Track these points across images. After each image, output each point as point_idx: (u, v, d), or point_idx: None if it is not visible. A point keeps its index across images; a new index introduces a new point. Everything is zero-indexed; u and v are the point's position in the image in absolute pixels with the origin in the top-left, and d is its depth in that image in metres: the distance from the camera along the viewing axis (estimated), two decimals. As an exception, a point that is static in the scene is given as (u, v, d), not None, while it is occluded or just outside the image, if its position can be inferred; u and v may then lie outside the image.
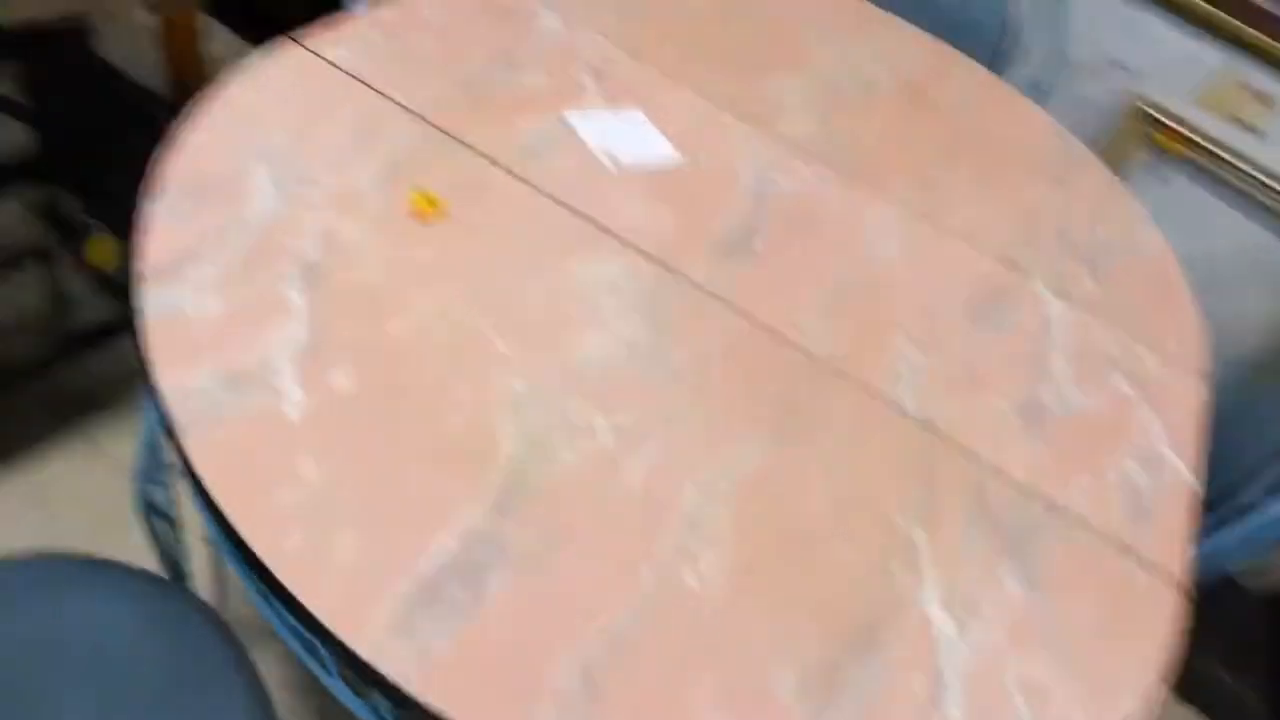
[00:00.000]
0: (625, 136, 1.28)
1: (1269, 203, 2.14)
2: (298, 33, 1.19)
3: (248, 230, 0.94)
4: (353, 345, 0.88)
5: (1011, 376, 1.19)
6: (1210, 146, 2.13)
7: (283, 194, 0.99)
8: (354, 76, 1.17)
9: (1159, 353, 1.32)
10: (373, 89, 1.17)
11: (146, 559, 1.06)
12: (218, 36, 2.48)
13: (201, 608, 0.87)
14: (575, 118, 1.27)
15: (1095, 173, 1.63)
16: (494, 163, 1.15)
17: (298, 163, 1.03)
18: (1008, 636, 0.90)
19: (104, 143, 1.65)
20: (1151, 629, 0.96)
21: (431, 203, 1.05)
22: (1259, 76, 2.06)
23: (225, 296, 0.87)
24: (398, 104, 1.16)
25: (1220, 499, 1.24)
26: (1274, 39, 1.99)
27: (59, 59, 1.66)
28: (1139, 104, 2.17)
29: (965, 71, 1.76)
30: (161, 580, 0.89)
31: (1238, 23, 2.00)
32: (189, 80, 1.66)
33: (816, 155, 1.40)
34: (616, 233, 1.13)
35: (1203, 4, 2.02)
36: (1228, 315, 2.37)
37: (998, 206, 1.46)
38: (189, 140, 1.00)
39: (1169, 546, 1.05)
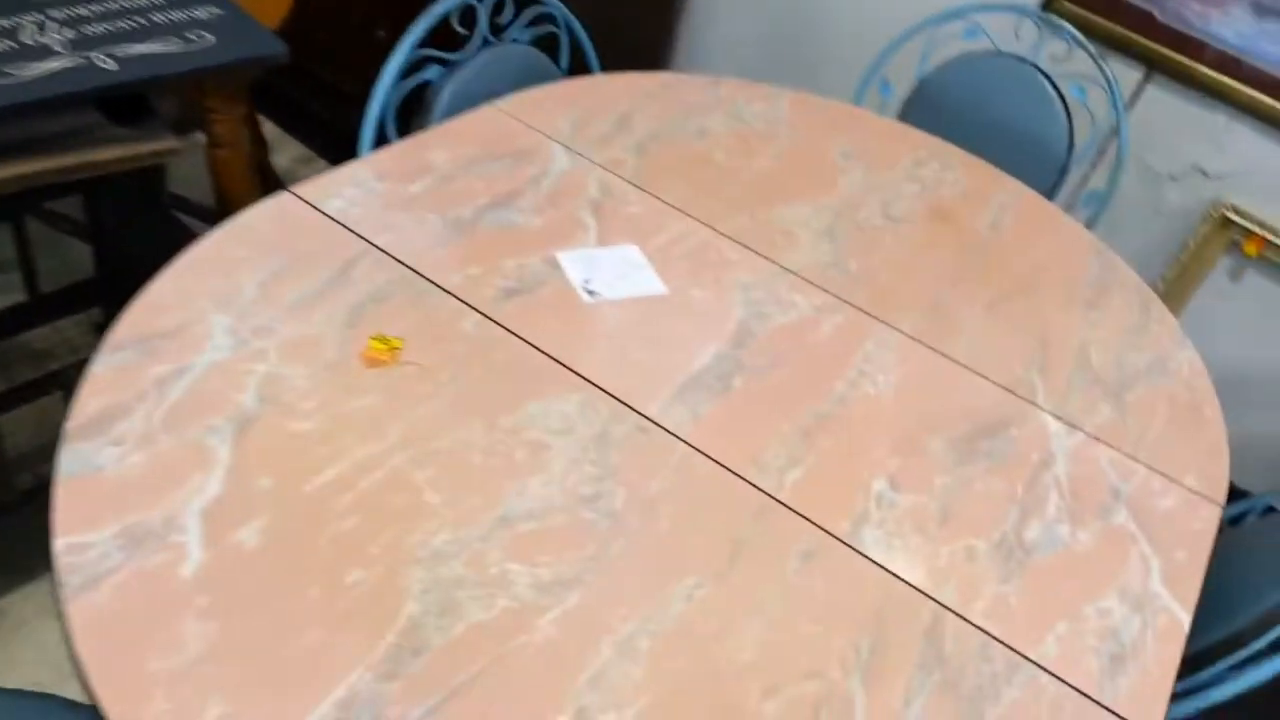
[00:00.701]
0: (613, 273, 1.29)
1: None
2: (299, 183, 1.27)
3: (189, 382, 0.98)
4: (270, 500, 0.90)
5: (994, 515, 1.11)
6: (1299, 251, 2.01)
7: (235, 344, 1.03)
8: (340, 223, 1.23)
9: (1175, 485, 1.22)
10: (357, 235, 1.22)
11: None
12: (286, 150, 2.67)
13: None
14: (565, 256, 1.30)
15: (1132, 294, 1.54)
16: (467, 305, 1.17)
17: (259, 312, 1.08)
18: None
19: (161, 264, 1.78)
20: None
21: (389, 348, 1.08)
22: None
23: (148, 452, 0.91)
24: (380, 249, 1.21)
25: (1222, 646, 1.12)
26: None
27: (120, 183, 1.81)
28: (1223, 210, 2.07)
29: (1006, 193, 1.71)
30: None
31: None
32: (240, 201, 1.77)
33: (820, 285, 1.37)
34: (580, 371, 1.13)
35: None
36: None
37: (1014, 333, 1.40)
38: (152, 292, 1.07)
39: (1145, 697, 0.95)
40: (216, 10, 1.43)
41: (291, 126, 2.74)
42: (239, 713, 0.75)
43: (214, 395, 0.98)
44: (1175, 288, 2.24)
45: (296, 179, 2.56)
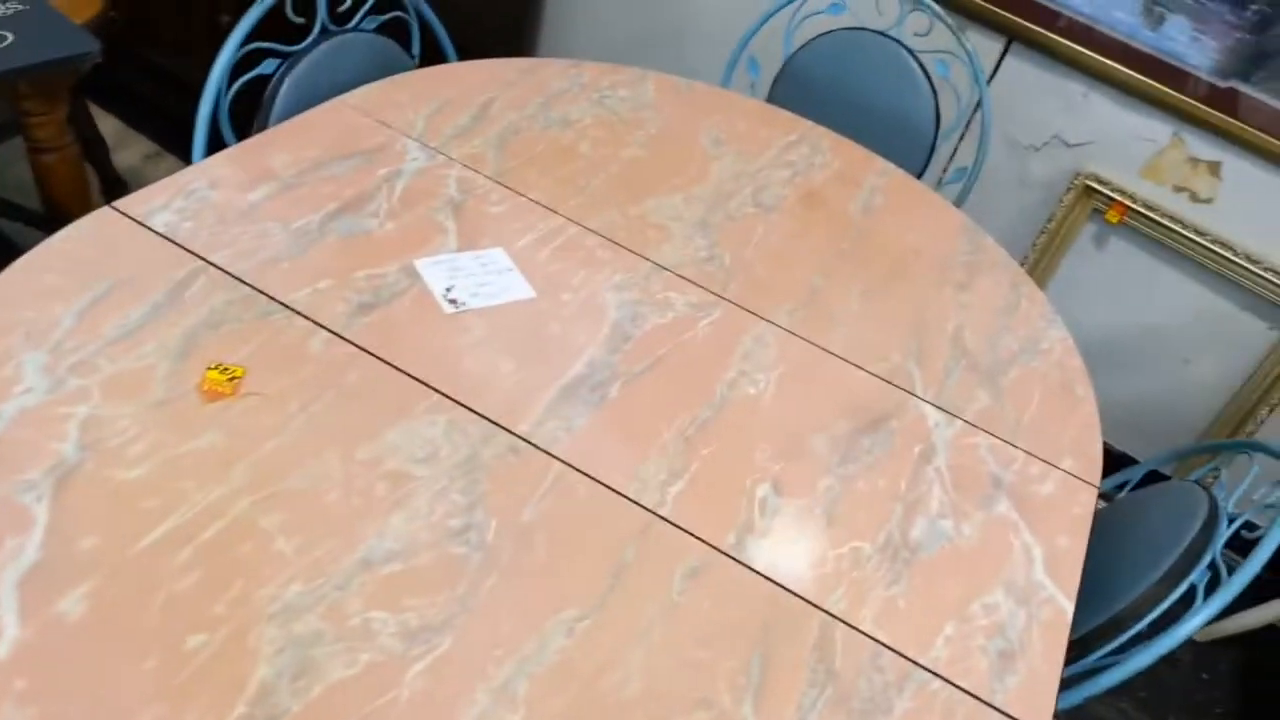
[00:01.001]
0: (478, 279, 1.22)
1: (1221, 270, 2.07)
2: (123, 196, 1.15)
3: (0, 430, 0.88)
4: (95, 562, 0.80)
5: (879, 514, 1.10)
6: (1159, 217, 2.08)
7: (51, 384, 0.92)
8: (169, 239, 1.12)
9: (1053, 469, 1.23)
10: (189, 251, 1.11)
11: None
12: (133, 146, 2.48)
13: None
14: (424, 264, 1.21)
15: (1001, 273, 1.56)
16: (315, 323, 1.09)
17: (78, 346, 0.97)
18: None
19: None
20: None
21: (230, 378, 0.99)
22: (1205, 148, 2.01)
23: (-48, 516, 0.81)
24: (216, 267, 1.11)
25: (1105, 630, 1.15)
26: (1222, 113, 1.95)
27: None
28: (1085, 179, 2.12)
29: (876, 174, 1.70)
30: None
31: (1184, 98, 1.97)
32: (70, 207, 1.62)
33: (695, 282, 1.33)
34: (443, 390, 1.06)
35: (1148, 81, 1.98)
36: (1176, 387, 2.30)
37: (890, 320, 1.39)
38: (-47, 333, 0.95)
39: (1033, 689, 0.96)
40: (18, 5, 1.28)
41: (136, 121, 2.54)
42: (60, 820, 0.66)
43: (27, 445, 0.87)
44: (1044, 257, 2.30)
45: (144, 177, 2.39)
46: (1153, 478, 1.48)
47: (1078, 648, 1.18)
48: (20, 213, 2.04)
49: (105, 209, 1.12)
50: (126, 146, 2.47)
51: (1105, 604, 1.20)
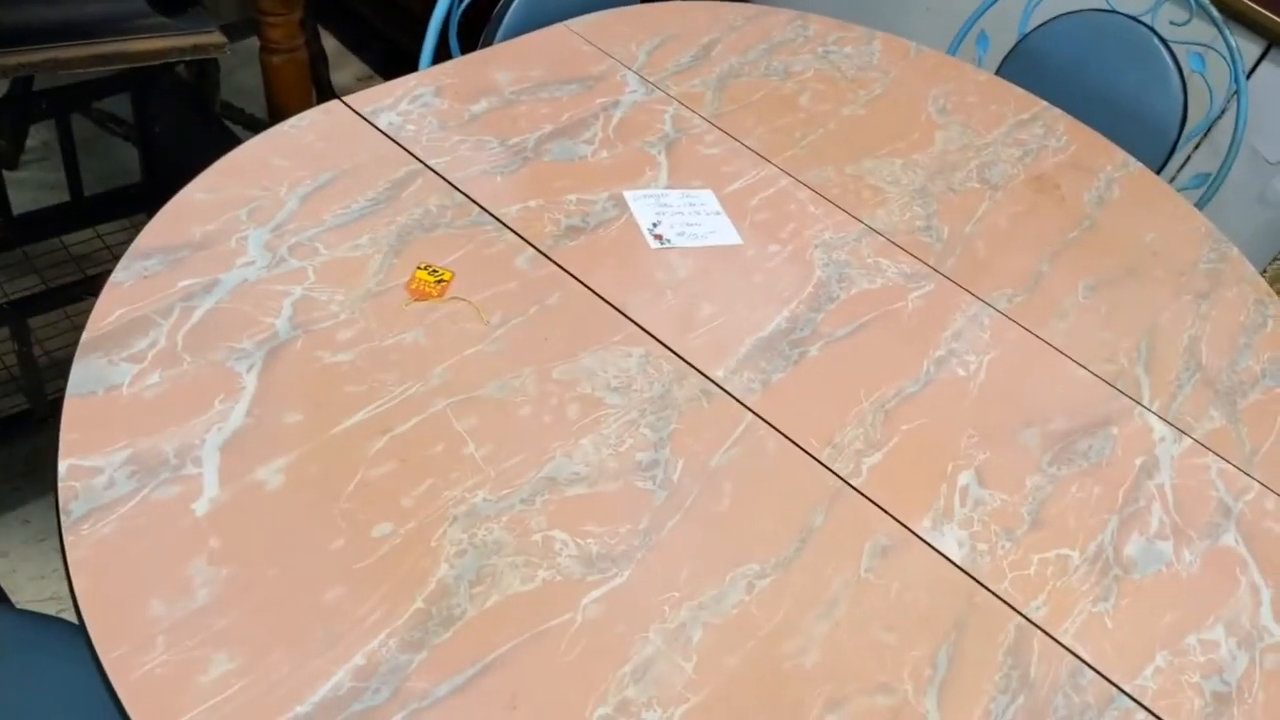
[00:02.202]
0: (685, 218, 1.18)
1: None
2: (353, 95, 1.17)
3: (218, 299, 0.89)
4: (297, 438, 0.81)
5: (1090, 523, 1.00)
6: None
7: (271, 261, 0.94)
8: (393, 139, 1.12)
9: (1299, 512, 1.09)
10: (410, 153, 1.12)
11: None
12: (348, 67, 2.56)
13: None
14: (633, 196, 1.18)
15: (1247, 288, 1.40)
16: (524, 239, 1.07)
17: (299, 228, 0.98)
18: None
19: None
20: None
21: (438, 280, 0.98)
22: None
23: (167, 372, 0.82)
24: (434, 171, 1.10)
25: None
26: None
27: (170, 84, 1.72)
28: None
29: (1115, 165, 1.56)
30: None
31: None
32: (294, 112, 1.68)
33: (909, 249, 1.25)
34: (642, 324, 1.02)
35: None
36: None
37: (1119, 320, 1.27)
38: (184, 198, 0.97)
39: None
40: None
41: (354, 43, 2.63)
42: (245, 670, 0.66)
43: (244, 316, 0.89)
44: (1276, 283, 2.08)
45: (354, 95, 2.46)
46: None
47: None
48: (242, 116, 2.13)
49: (334, 102, 1.14)
50: (343, 67, 2.56)
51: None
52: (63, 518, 0.70)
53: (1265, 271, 2.08)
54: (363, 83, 2.54)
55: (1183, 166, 2.08)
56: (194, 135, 1.74)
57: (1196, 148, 2.06)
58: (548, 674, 0.73)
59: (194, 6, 1.25)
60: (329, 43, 2.56)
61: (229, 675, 0.66)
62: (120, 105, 2.07)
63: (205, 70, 1.94)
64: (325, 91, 2.26)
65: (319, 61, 2.19)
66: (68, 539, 0.69)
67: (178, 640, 0.67)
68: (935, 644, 0.84)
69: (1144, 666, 0.89)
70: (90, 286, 1.61)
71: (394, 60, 2.57)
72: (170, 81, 1.77)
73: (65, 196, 1.67)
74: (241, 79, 2.22)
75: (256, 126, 2.14)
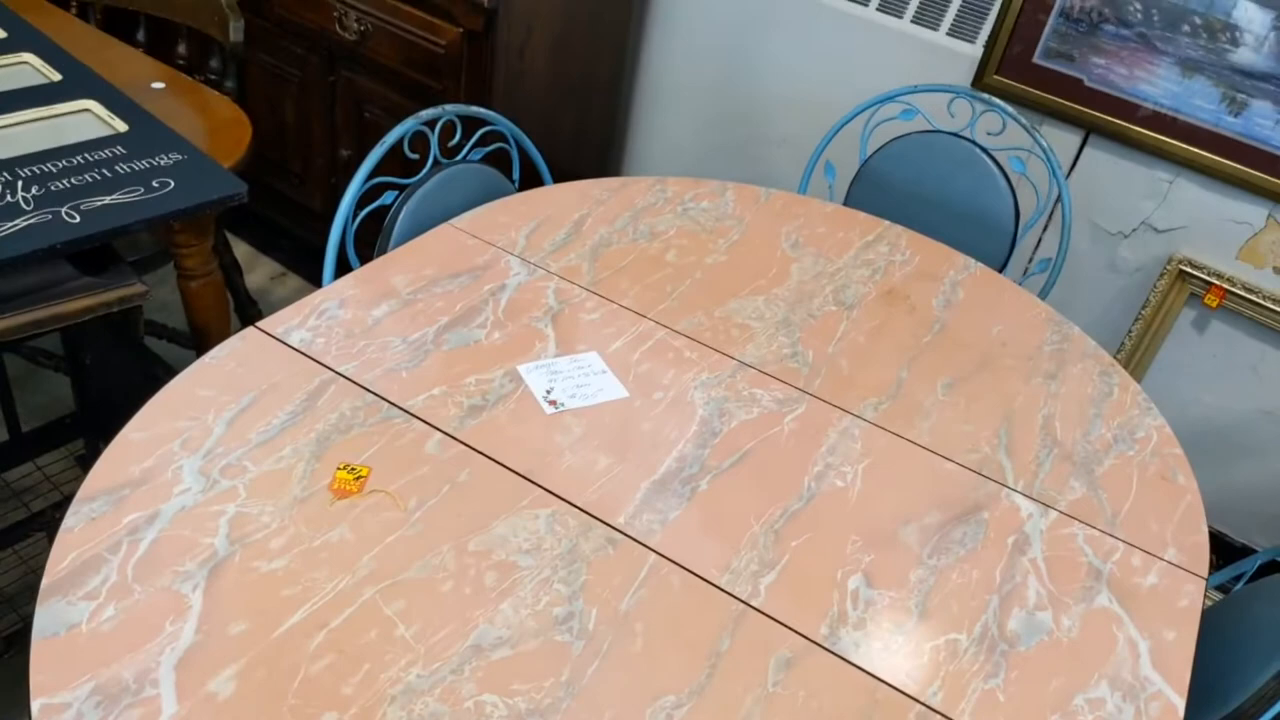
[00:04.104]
0: (575, 381, 1.31)
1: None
2: (254, 312, 1.29)
3: (160, 528, 0.99)
4: (242, 646, 0.90)
5: (973, 606, 1.12)
6: (1261, 300, 2.05)
7: (205, 485, 1.04)
8: (304, 353, 1.25)
9: (1156, 560, 1.23)
10: (321, 364, 1.24)
11: None
12: (260, 268, 2.70)
13: None
14: (526, 369, 1.32)
15: (1091, 362, 1.58)
16: (432, 426, 1.19)
17: (228, 450, 1.09)
18: None
19: (137, 395, 1.80)
20: None
21: (356, 477, 1.09)
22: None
23: (121, 604, 0.91)
24: (344, 377, 1.23)
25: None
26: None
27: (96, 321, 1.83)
28: (1179, 264, 2.12)
29: (957, 269, 1.76)
30: None
31: (1277, 180, 1.97)
32: (213, 326, 1.79)
33: (780, 378, 1.39)
34: (545, 485, 1.14)
35: (1238, 166, 1.99)
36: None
37: (978, 411, 1.42)
38: (122, 439, 1.08)
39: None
40: (178, 156, 1.47)
41: (264, 245, 2.78)
42: None
43: (185, 540, 0.98)
44: (1142, 343, 2.28)
45: (270, 295, 2.59)
46: (1272, 568, 1.45)
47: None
48: (165, 330, 2.24)
49: (249, 329, 1.26)
50: (255, 269, 2.70)
51: (1219, 704, 1.17)
52: (34, 758, 0.78)
53: (1129, 334, 2.28)
54: (276, 281, 2.68)
55: (1034, 253, 2.30)
56: (122, 361, 1.84)
57: (1043, 235, 2.29)
58: (492, 827, 0.81)
59: (115, 264, 1.38)
60: (240, 248, 2.71)
61: None
62: (50, 339, 2.17)
63: (127, 307, 2.05)
64: (240, 296, 2.39)
65: (232, 271, 2.33)
66: (41, 776, 0.77)
67: None
68: (840, 739, 0.94)
69: (1032, 725, 0.99)
70: (37, 522, 1.68)
71: (302, 255, 2.73)
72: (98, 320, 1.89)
73: (2, 435, 1.75)
74: (162, 294, 2.33)
75: (181, 340, 2.25)
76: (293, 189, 2.61)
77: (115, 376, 1.76)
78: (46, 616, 0.88)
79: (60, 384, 2.06)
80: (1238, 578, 1.49)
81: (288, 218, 2.68)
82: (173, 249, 1.66)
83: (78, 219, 1.26)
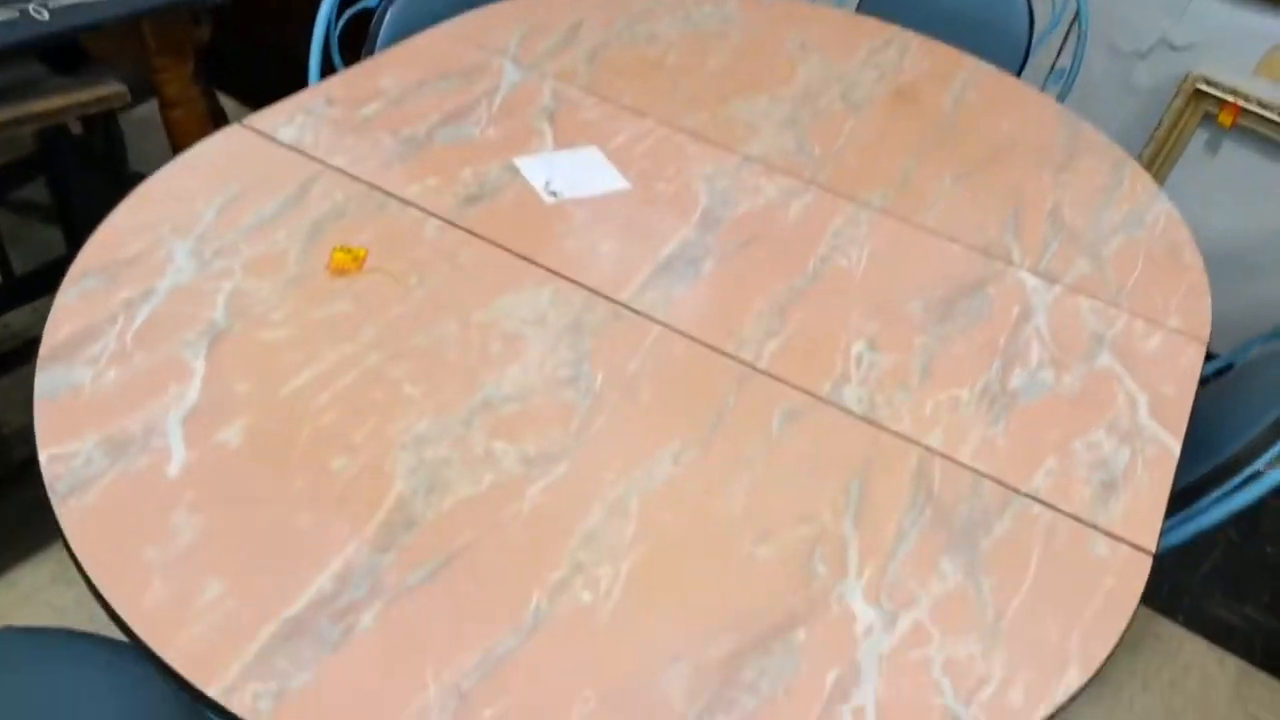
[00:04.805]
0: (574, 172, 1.28)
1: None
2: (250, 116, 1.26)
3: (157, 303, 0.98)
4: (249, 403, 0.90)
5: (976, 366, 1.11)
6: (1276, 116, 2.00)
7: (199, 265, 1.03)
8: (294, 148, 1.22)
9: (1158, 327, 1.22)
10: (311, 158, 1.21)
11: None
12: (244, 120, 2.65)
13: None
14: (524, 161, 1.29)
15: (1103, 155, 1.54)
16: (428, 213, 1.17)
17: (219, 234, 1.07)
18: (941, 624, 0.83)
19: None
20: (1109, 600, 0.87)
21: (354, 257, 1.08)
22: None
23: (123, 368, 0.91)
24: (335, 169, 1.20)
25: (1214, 477, 1.13)
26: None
27: (82, 161, 1.80)
28: (1195, 82, 2.06)
29: (969, 70, 1.70)
30: (126, 648, 0.91)
31: None
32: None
33: (785, 170, 1.37)
34: (548, 266, 1.13)
35: None
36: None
37: (985, 200, 1.40)
38: (110, 224, 1.06)
39: (1139, 518, 0.96)
40: (148, -44, 1.41)
41: (247, 98, 2.73)
42: (236, 591, 0.75)
43: (183, 314, 0.98)
44: (1153, 165, 2.24)
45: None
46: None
47: (1183, 498, 1.17)
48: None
49: (234, 126, 1.23)
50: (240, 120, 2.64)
51: (1213, 457, 1.19)
52: (51, 496, 0.79)
53: (1141, 156, 2.23)
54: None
55: (1049, 72, 2.23)
56: (109, 199, 1.82)
57: (1060, 50, 2.22)
58: (506, 554, 0.82)
59: (86, 64, 1.34)
60: (228, 104, 2.65)
61: (222, 596, 0.75)
62: (39, 191, 2.14)
63: (112, 144, 2.01)
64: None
65: (218, 119, 2.28)
66: (59, 512, 0.78)
67: (172, 576, 0.75)
68: (846, 481, 0.95)
69: (1035, 472, 1.00)
70: (37, 350, 1.68)
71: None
72: (82, 159, 1.86)
73: (-2, 281, 1.75)
74: (148, 150, 2.29)
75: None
76: (276, 35, 2.54)
77: (104, 214, 1.74)
78: (47, 379, 0.88)
79: (51, 234, 2.04)
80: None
81: (271, 67, 2.61)
82: (152, 77, 1.62)
83: (46, 15, 1.22)
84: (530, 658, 0.75)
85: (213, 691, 0.69)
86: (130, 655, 0.92)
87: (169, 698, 0.89)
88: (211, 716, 0.88)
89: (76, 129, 1.92)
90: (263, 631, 0.73)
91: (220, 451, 0.85)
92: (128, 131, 2.12)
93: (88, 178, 1.89)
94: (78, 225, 1.82)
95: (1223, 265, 2.25)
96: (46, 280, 1.81)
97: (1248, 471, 1.12)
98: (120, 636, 0.75)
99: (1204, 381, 1.21)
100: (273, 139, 1.22)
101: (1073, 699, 0.80)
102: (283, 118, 1.26)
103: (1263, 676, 1.78)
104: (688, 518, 0.88)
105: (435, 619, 0.76)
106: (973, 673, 0.80)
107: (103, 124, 1.91)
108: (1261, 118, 2.04)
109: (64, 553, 1.59)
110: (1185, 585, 1.92)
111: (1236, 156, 2.16)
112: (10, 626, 0.92)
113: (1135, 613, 0.88)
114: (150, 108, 1.84)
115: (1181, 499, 1.16)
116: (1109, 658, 0.83)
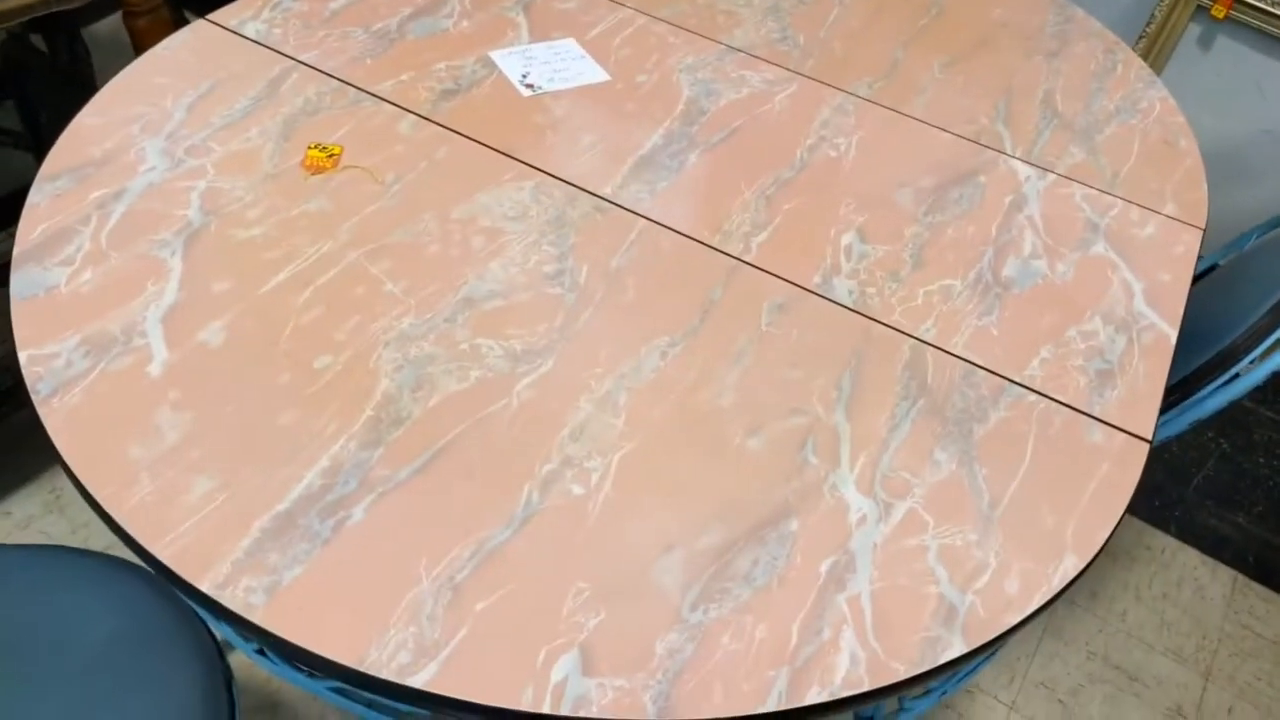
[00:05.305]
0: (552, 66, 1.24)
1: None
2: (215, 12, 1.21)
3: (130, 203, 0.95)
4: (229, 301, 0.88)
5: (969, 256, 1.10)
6: (1270, 6, 1.95)
7: (170, 164, 1.00)
8: (261, 44, 1.17)
9: (1154, 214, 1.20)
10: (280, 53, 1.17)
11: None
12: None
13: (163, 589, 0.90)
14: (500, 55, 1.25)
15: (1095, 41, 1.50)
16: (403, 109, 1.13)
17: (190, 133, 1.04)
18: (935, 513, 0.83)
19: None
20: (1105, 487, 0.87)
21: (329, 154, 1.05)
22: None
23: (99, 268, 0.88)
24: (306, 65, 1.16)
25: (1211, 366, 1.13)
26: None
27: (49, 83, 1.74)
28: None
29: (949, -46, 1.64)
30: (131, 565, 0.92)
31: None
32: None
33: (769, 60, 1.33)
34: (528, 161, 1.10)
35: None
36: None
37: (976, 87, 1.36)
38: (78, 125, 1.03)
39: (1135, 405, 0.96)
40: None
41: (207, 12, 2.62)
42: (224, 487, 0.75)
43: (156, 213, 0.95)
44: (1145, 63, 2.18)
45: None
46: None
47: (1180, 390, 1.17)
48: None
49: (200, 22, 1.18)
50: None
51: (1211, 347, 1.18)
52: (33, 397, 0.77)
53: (1133, 50, 2.18)
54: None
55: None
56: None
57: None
58: (495, 447, 0.82)
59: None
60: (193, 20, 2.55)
61: (210, 492, 0.74)
62: (7, 116, 2.07)
63: (77, 61, 1.94)
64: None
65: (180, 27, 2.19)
66: (42, 412, 0.76)
67: (159, 473, 0.75)
68: (838, 372, 0.94)
69: (1030, 360, 1.00)
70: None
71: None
72: (50, 81, 1.79)
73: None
74: (117, 67, 2.22)
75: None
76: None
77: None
78: (22, 281, 0.86)
79: (23, 160, 1.98)
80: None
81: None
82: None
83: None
84: (522, 550, 0.75)
85: (205, 586, 0.69)
86: (124, 569, 0.92)
87: (164, 610, 0.89)
88: (205, 620, 0.88)
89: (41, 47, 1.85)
90: (253, 527, 0.73)
91: (202, 350, 0.84)
92: (95, 51, 2.04)
93: (56, 98, 1.82)
94: (48, 147, 1.76)
95: (1218, 169, 2.23)
96: (20, 203, 1.76)
97: (1245, 360, 1.12)
98: (112, 553, 0.75)
99: (1195, 280, 1.20)
100: (239, 34, 1.18)
101: (1069, 585, 0.81)
102: (249, 12, 1.21)
103: (1256, 587, 1.81)
104: (677, 411, 0.88)
105: (426, 513, 0.76)
106: (969, 560, 0.80)
107: (67, 41, 1.84)
108: (1256, 8, 1.99)
109: (55, 482, 1.59)
110: (1178, 497, 1.94)
111: (1229, 52, 2.12)
112: (2, 544, 0.92)
113: (1129, 506, 0.88)
114: (115, 22, 1.77)
115: (1180, 391, 1.16)
116: (1106, 543, 0.84)
